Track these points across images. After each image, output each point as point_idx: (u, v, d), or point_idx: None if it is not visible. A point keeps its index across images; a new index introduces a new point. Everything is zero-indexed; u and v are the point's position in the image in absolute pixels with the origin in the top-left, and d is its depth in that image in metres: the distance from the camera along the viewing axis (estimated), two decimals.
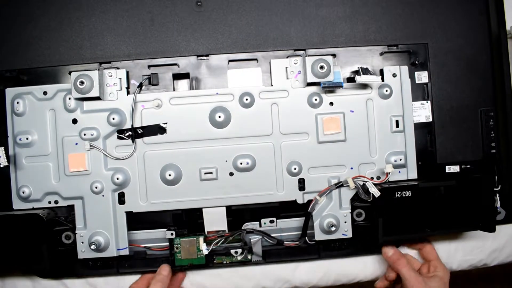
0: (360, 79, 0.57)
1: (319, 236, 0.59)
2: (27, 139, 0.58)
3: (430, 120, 0.61)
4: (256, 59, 0.60)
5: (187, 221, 0.60)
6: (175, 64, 0.59)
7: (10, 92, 0.58)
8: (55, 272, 0.60)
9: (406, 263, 0.58)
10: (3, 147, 0.57)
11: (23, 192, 0.58)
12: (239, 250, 0.61)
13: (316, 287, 0.65)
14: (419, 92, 0.61)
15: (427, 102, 0.61)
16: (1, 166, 0.56)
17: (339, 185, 0.59)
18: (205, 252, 0.58)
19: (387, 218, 0.59)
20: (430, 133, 0.61)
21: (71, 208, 0.59)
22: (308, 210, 0.59)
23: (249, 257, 0.61)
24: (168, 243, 0.60)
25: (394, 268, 0.59)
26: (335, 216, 0.59)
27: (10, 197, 0.58)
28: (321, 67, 0.57)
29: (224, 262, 0.62)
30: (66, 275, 0.61)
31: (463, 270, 0.68)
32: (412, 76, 0.61)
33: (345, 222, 0.59)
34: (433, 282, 0.57)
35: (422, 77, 0.61)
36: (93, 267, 0.60)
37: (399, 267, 0.58)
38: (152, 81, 0.59)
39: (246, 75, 0.60)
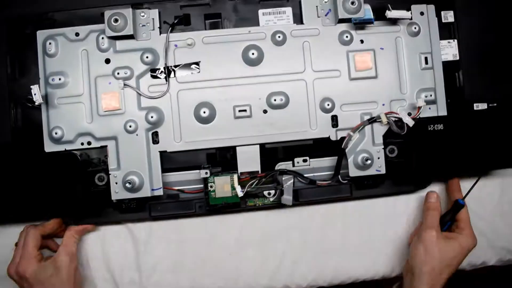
0: (391, 14, 0.58)
1: (353, 172, 0.59)
2: (59, 79, 0.58)
3: (458, 58, 0.62)
4: None
5: (221, 161, 0.60)
6: (207, 4, 0.60)
7: (41, 34, 0.58)
8: (89, 215, 0.59)
9: (436, 216, 0.58)
10: (37, 85, 0.56)
11: (56, 134, 0.57)
12: (272, 192, 0.61)
13: (312, 286, 0.65)
14: (446, 31, 0.62)
15: (454, 41, 0.62)
16: (36, 104, 0.55)
17: (372, 120, 0.59)
18: (240, 194, 0.58)
19: (420, 153, 0.60)
20: (458, 71, 0.62)
21: (104, 150, 0.58)
22: (342, 147, 0.59)
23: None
24: (202, 184, 0.59)
25: (424, 214, 0.59)
26: (368, 152, 0.59)
27: (42, 141, 0.58)
28: (352, 3, 0.58)
29: (257, 205, 0.62)
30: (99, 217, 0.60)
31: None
32: (438, 15, 0.62)
33: (379, 158, 0.59)
34: (449, 245, 0.57)
35: (448, 16, 0.62)
36: (126, 210, 0.60)
37: (427, 217, 0.59)
38: (184, 21, 0.60)
39: (277, 14, 0.60)
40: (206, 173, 0.58)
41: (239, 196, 0.58)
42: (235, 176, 0.58)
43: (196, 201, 0.60)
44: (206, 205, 0.59)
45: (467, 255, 0.58)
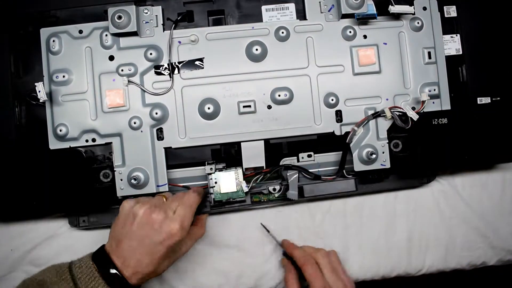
0: (394, 9, 0.58)
1: (358, 167, 0.59)
2: (63, 77, 0.58)
3: (461, 53, 0.62)
4: None
5: (226, 157, 0.60)
6: (210, 1, 0.60)
7: (45, 32, 0.58)
8: (95, 212, 0.60)
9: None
10: (41, 82, 0.56)
11: (60, 131, 0.57)
12: (277, 187, 0.61)
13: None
14: (449, 26, 0.62)
15: (456, 35, 0.62)
16: (41, 101, 0.55)
17: (377, 115, 0.59)
18: (245, 189, 0.58)
19: (424, 147, 0.60)
20: (461, 65, 0.62)
21: (108, 147, 0.58)
22: (346, 141, 0.59)
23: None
24: (206, 180, 0.59)
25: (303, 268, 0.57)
26: (373, 147, 0.59)
27: (46, 138, 0.58)
28: None
29: (262, 200, 0.62)
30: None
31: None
32: (441, 10, 0.62)
33: (383, 153, 0.59)
34: None
35: (451, 11, 0.62)
36: None
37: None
38: (187, 18, 0.60)
39: (280, 10, 0.61)
40: (211, 168, 0.58)
41: (244, 191, 0.58)
42: (240, 171, 0.58)
43: None
44: (211, 201, 0.59)
45: None
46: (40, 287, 0.46)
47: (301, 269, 0.57)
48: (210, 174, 0.58)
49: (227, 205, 0.60)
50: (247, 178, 0.59)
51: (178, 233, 0.48)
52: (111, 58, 0.58)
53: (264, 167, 0.59)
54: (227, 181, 0.58)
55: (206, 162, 0.58)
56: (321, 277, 0.55)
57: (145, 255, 0.48)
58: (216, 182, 0.58)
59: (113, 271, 0.47)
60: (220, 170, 0.58)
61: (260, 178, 0.59)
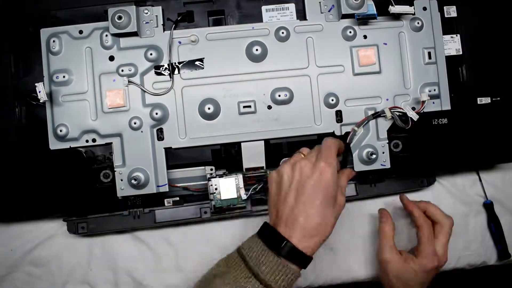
0: (394, 9, 0.58)
1: (358, 167, 0.59)
2: (64, 77, 0.58)
3: (461, 53, 0.62)
4: None
5: (226, 157, 0.60)
6: (210, 1, 0.60)
7: (45, 32, 0.58)
8: (94, 212, 0.60)
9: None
10: (41, 82, 0.56)
11: (60, 131, 0.57)
12: None
13: (312, 286, 0.65)
14: (449, 26, 0.62)
15: (456, 35, 0.62)
16: (41, 101, 0.55)
17: (377, 115, 0.59)
18: (244, 197, 0.58)
19: (424, 147, 0.60)
20: (461, 65, 0.62)
21: (109, 147, 0.58)
22: (347, 142, 0.59)
23: None
24: (206, 181, 0.59)
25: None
26: (373, 147, 0.59)
27: (47, 138, 0.58)
28: None
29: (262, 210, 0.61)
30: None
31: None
32: (441, 10, 0.62)
33: (383, 153, 0.59)
34: (412, 263, 0.56)
35: (451, 11, 0.62)
36: (132, 207, 0.60)
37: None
38: (187, 18, 0.60)
39: (280, 10, 0.61)
40: (211, 169, 0.59)
41: (243, 198, 0.58)
42: (240, 178, 0.58)
43: (201, 207, 0.60)
44: (211, 208, 0.58)
45: (432, 274, 0.57)
46: (214, 277, 0.47)
47: (418, 229, 0.57)
48: (210, 179, 0.58)
49: (228, 211, 0.60)
50: (247, 185, 0.58)
51: (326, 168, 0.47)
52: (111, 58, 0.58)
53: (264, 167, 0.59)
54: (227, 188, 0.58)
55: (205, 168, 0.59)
56: (434, 243, 0.56)
57: (305, 208, 0.46)
58: (216, 189, 0.58)
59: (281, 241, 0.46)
60: (221, 176, 0.58)
61: (260, 187, 0.59)
